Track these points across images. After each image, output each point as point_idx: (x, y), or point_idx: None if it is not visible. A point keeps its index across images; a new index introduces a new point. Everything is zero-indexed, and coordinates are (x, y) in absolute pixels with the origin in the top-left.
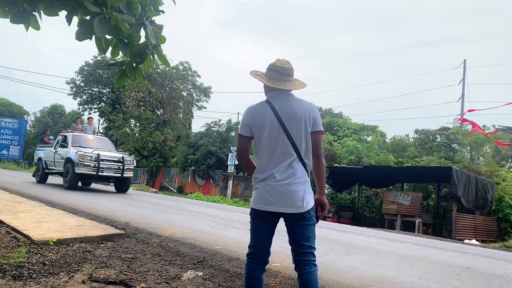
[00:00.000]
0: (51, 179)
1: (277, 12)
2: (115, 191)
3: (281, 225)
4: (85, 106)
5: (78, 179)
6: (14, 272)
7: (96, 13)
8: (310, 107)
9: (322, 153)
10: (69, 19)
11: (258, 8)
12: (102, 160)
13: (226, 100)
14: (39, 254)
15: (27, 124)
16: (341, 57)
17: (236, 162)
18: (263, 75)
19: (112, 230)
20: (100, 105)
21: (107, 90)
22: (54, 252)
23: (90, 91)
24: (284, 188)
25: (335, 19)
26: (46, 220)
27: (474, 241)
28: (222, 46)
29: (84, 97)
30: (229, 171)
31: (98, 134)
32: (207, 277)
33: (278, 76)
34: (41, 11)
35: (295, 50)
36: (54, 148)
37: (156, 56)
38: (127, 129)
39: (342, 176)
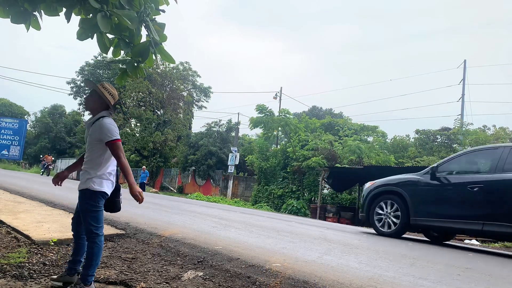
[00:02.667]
0: None
1: (272, 4)
2: None
3: (281, 224)
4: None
5: None
6: (15, 272)
7: (98, 10)
8: None
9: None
10: (68, 16)
11: (252, 1)
12: None
13: (226, 100)
14: (39, 254)
15: (28, 125)
16: (338, 51)
17: (237, 162)
18: (111, 97)
19: (112, 230)
20: None
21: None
22: (54, 252)
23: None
24: None
25: (333, 10)
26: (46, 220)
27: (474, 241)
28: (215, 39)
29: (85, 97)
30: (229, 171)
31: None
32: (207, 277)
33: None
34: (42, 11)
35: (288, 43)
36: None
37: (158, 54)
38: (127, 129)
39: (342, 176)
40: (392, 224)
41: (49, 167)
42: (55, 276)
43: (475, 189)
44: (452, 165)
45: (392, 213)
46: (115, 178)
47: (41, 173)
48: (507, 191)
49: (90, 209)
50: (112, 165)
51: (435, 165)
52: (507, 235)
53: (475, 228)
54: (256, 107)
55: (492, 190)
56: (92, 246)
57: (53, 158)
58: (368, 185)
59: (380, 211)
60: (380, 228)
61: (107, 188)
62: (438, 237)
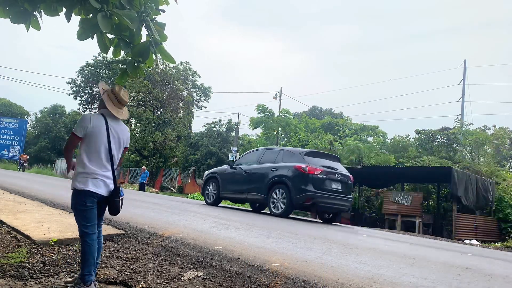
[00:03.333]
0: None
1: (272, 4)
2: None
3: (281, 224)
4: (86, 106)
5: None
6: (15, 272)
7: (98, 10)
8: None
9: None
10: (68, 16)
11: (252, 1)
12: None
13: (226, 100)
14: (39, 254)
15: (28, 125)
16: (338, 51)
17: None
18: (107, 95)
19: (112, 230)
20: None
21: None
22: (54, 252)
23: (90, 91)
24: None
25: (333, 10)
26: (46, 220)
27: (474, 241)
28: (215, 39)
29: (85, 97)
30: None
31: None
32: (207, 277)
33: (117, 103)
34: (42, 11)
35: (288, 43)
36: None
37: (159, 54)
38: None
39: None
40: (213, 196)
41: (24, 164)
42: (69, 279)
43: (246, 174)
44: (242, 159)
45: (213, 190)
46: (110, 178)
47: (18, 170)
48: (257, 174)
49: (78, 208)
50: (99, 164)
51: (231, 159)
52: (255, 200)
53: (243, 197)
54: (256, 107)
55: (252, 174)
56: (83, 245)
57: (28, 157)
58: (206, 172)
59: (208, 189)
60: (207, 200)
61: (94, 186)
62: (328, 219)
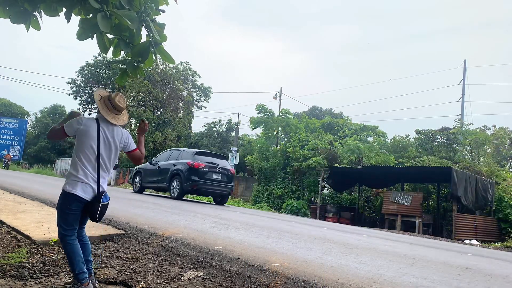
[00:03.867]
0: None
1: (272, 4)
2: (114, 192)
3: (281, 224)
4: (86, 106)
5: None
6: (15, 272)
7: (98, 10)
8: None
9: None
10: (68, 16)
11: (252, 1)
12: None
13: (226, 100)
14: (39, 254)
15: (27, 125)
16: (338, 51)
17: (237, 162)
18: (103, 102)
19: (112, 230)
20: None
21: (108, 90)
22: (54, 252)
23: (90, 91)
24: None
25: (333, 10)
26: (46, 220)
27: (474, 241)
28: (215, 39)
29: (85, 97)
30: None
31: None
32: (207, 277)
33: (112, 109)
34: (42, 11)
35: (288, 43)
36: None
37: (158, 54)
38: (127, 129)
39: (342, 176)
40: (138, 186)
41: (8, 163)
42: (69, 280)
43: (158, 168)
44: (158, 157)
45: (138, 181)
46: (98, 183)
47: (2, 167)
48: (164, 169)
49: (62, 209)
50: (89, 168)
51: (150, 158)
52: (163, 187)
53: (156, 185)
54: (256, 107)
55: (162, 169)
56: (65, 247)
57: (11, 156)
58: (135, 168)
59: (135, 181)
60: (134, 189)
61: (82, 191)
62: (218, 201)
